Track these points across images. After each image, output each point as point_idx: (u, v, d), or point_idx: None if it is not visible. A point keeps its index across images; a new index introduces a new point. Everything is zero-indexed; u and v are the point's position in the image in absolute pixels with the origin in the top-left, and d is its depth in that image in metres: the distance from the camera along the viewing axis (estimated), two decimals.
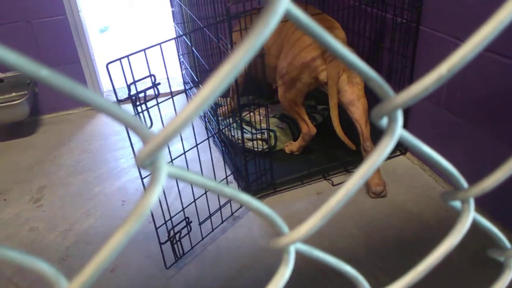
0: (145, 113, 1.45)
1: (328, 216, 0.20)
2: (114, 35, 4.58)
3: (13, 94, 2.62)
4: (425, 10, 1.77)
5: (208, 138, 1.73)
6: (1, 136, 2.66)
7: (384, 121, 0.19)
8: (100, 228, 1.85)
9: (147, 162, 0.16)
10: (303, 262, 1.58)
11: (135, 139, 1.49)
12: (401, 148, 2.14)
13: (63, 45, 2.67)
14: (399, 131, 0.19)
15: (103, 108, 0.15)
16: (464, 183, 0.23)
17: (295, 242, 0.20)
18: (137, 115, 1.44)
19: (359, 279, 0.25)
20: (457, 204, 0.24)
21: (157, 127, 1.52)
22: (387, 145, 0.19)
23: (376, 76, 0.18)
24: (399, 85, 1.98)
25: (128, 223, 0.16)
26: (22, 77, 2.62)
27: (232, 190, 0.19)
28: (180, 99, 2.72)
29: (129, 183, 2.15)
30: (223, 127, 2.18)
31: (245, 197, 0.20)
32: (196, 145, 1.60)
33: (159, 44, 1.47)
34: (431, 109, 1.88)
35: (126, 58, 1.35)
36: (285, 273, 0.21)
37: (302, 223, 0.20)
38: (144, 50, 1.40)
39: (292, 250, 0.21)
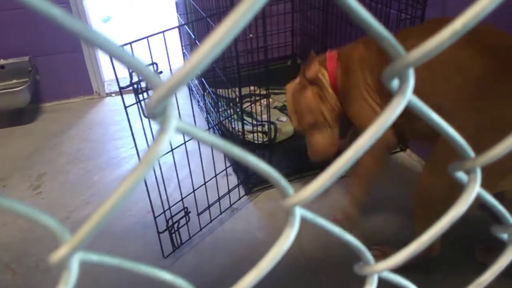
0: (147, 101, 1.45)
1: (334, 177, 0.19)
2: (116, 25, 4.57)
3: (14, 81, 2.62)
4: (429, 6, 1.76)
5: (208, 130, 1.73)
6: (2, 123, 2.65)
7: (395, 83, 0.19)
8: None
9: (157, 110, 0.16)
10: (301, 256, 1.58)
11: (135, 128, 1.49)
12: (401, 144, 2.14)
13: (65, 34, 2.66)
14: (410, 91, 0.18)
15: (113, 52, 0.15)
16: (471, 152, 0.23)
17: (301, 202, 0.20)
18: (138, 103, 1.43)
19: (362, 250, 0.25)
20: (463, 177, 0.24)
21: None
22: (397, 105, 0.18)
23: (389, 36, 0.18)
24: None
25: (137, 170, 0.16)
26: (23, 64, 2.61)
27: (241, 151, 0.19)
28: (181, 90, 2.71)
29: (128, 172, 2.14)
30: (224, 118, 2.18)
31: (253, 159, 0.19)
32: None
33: (162, 32, 1.47)
34: None
35: (129, 46, 1.35)
36: (290, 235, 0.21)
37: (307, 185, 0.20)
38: (147, 37, 1.40)
39: (297, 213, 0.21)
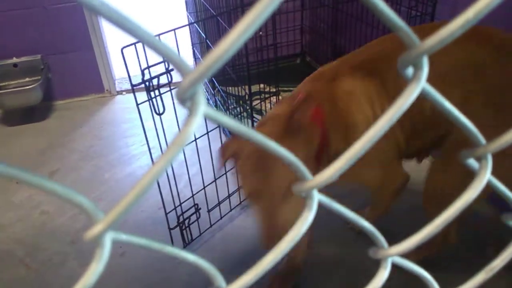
0: (158, 99, 1.46)
1: (352, 160, 0.20)
2: None
3: (27, 79, 2.66)
4: (440, 3, 1.76)
5: (218, 126, 1.74)
6: (15, 120, 2.69)
7: (410, 71, 0.20)
8: None
9: (187, 95, 0.17)
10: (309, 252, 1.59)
11: (147, 125, 1.51)
12: None
13: (77, 31, 2.69)
14: (424, 79, 0.19)
15: (147, 40, 0.16)
16: (482, 140, 0.24)
17: (319, 185, 0.21)
18: (150, 101, 1.45)
19: (376, 235, 0.26)
20: (474, 164, 0.25)
21: (169, 114, 1.54)
22: (411, 92, 0.19)
23: (405, 26, 0.19)
24: None
25: (168, 152, 0.17)
26: (36, 62, 2.65)
27: (263, 137, 0.20)
28: None
29: (139, 169, 2.17)
30: (233, 116, 2.19)
31: (274, 144, 0.20)
32: (207, 133, 1.61)
33: (173, 30, 1.48)
34: None
35: (141, 43, 1.37)
36: (308, 217, 0.22)
37: (325, 169, 0.21)
38: (158, 35, 1.41)
39: (315, 196, 0.22)
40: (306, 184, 0.21)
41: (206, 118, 0.18)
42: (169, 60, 0.17)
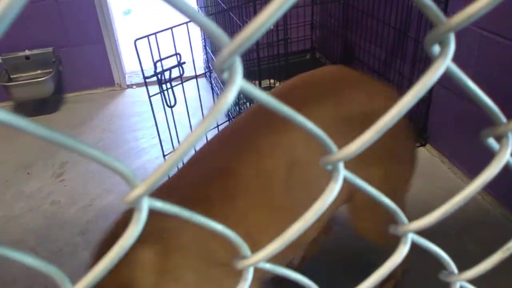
0: (170, 91, 1.48)
1: (379, 134, 0.21)
2: (136, 18, 4.63)
3: (39, 71, 2.68)
4: None
5: (228, 120, 1.75)
6: (26, 112, 2.72)
7: (436, 49, 0.20)
8: (119, 206, 1.90)
9: (225, 65, 0.18)
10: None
11: (159, 118, 1.53)
12: (421, 139, 2.13)
13: (88, 25, 2.71)
14: (450, 56, 0.20)
15: (186, 12, 0.17)
16: (503, 118, 0.24)
17: (345, 158, 0.22)
18: (162, 93, 1.46)
19: (397, 212, 0.27)
20: (494, 144, 0.25)
21: (179, 107, 1.55)
22: (438, 68, 0.20)
23: (433, 5, 0.19)
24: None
25: (207, 119, 0.18)
26: (47, 55, 2.67)
27: (291, 110, 0.21)
28: (201, 82, 2.74)
29: (148, 163, 2.18)
30: (243, 111, 2.20)
31: (301, 118, 0.21)
32: (217, 126, 1.62)
33: (186, 23, 1.49)
34: (455, 102, 1.87)
35: (154, 36, 1.38)
36: (334, 188, 0.23)
37: (351, 142, 0.22)
38: (171, 28, 1.43)
39: (341, 168, 0.23)
40: (333, 157, 0.22)
41: (242, 89, 0.19)
42: (205, 31, 0.18)
